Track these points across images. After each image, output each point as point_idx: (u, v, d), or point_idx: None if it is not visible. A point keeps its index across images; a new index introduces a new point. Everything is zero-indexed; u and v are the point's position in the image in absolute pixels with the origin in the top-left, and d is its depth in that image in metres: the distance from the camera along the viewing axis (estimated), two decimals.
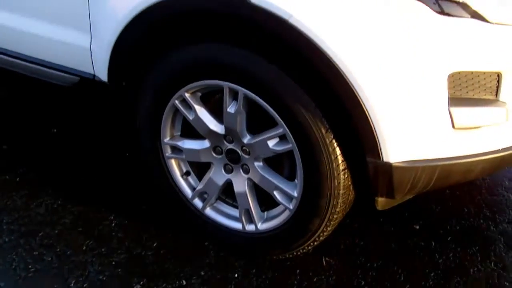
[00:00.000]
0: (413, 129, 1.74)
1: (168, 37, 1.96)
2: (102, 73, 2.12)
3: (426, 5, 1.66)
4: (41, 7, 2.21)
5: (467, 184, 2.54)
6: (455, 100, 1.74)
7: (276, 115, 1.82)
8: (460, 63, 1.71)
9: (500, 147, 1.86)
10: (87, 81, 2.19)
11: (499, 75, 1.78)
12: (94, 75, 2.17)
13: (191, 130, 2.05)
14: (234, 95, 1.89)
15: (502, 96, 1.81)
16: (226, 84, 1.88)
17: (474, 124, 1.79)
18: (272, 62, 1.79)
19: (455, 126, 1.75)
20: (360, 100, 1.69)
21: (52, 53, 2.26)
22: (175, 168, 2.17)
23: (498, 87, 1.80)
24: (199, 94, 1.98)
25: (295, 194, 1.94)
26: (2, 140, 2.79)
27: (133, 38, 1.99)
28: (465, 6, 1.68)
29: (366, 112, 1.70)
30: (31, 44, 2.30)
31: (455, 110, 1.74)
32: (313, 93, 1.77)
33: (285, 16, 1.68)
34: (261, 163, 1.99)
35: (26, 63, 2.35)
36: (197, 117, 1.99)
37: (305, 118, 1.78)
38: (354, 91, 1.68)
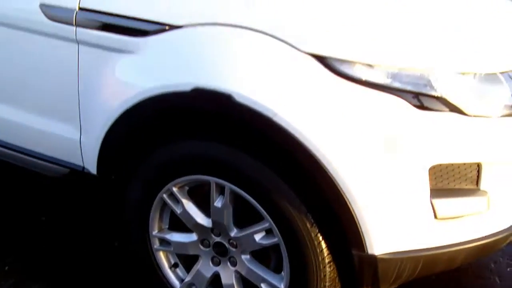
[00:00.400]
0: (397, 221, 1.77)
1: (156, 132, 2.01)
2: (92, 166, 2.15)
3: (406, 100, 1.72)
4: (31, 99, 2.27)
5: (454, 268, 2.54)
6: (437, 192, 1.79)
7: (262, 210, 1.86)
8: (441, 156, 1.76)
9: (482, 235, 1.88)
10: (77, 172, 2.22)
11: (479, 165, 1.83)
12: (83, 167, 2.21)
13: (179, 222, 2.06)
14: (221, 190, 1.93)
15: (483, 185, 1.85)
16: (212, 179, 1.92)
17: (456, 214, 1.82)
18: (257, 158, 1.84)
19: (438, 216, 1.79)
20: (343, 195, 1.73)
21: (42, 144, 2.30)
22: (164, 260, 2.18)
23: (478, 176, 1.84)
24: (187, 188, 2.01)
25: (282, 286, 1.95)
26: None
27: (122, 133, 2.04)
28: (443, 101, 1.74)
29: (350, 206, 1.73)
30: (20, 134, 2.35)
31: (437, 202, 1.78)
32: (298, 188, 1.81)
33: (270, 114, 1.73)
34: (248, 256, 2.00)
35: (15, 153, 2.38)
36: (185, 211, 2.02)
37: (290, 213, 1.82)
38: (337, 186, 1.73)
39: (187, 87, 1.82)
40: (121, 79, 1.98)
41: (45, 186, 2.59)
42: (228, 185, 1.90)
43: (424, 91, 1.73)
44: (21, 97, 2.29)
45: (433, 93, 1.73)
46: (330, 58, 1.72)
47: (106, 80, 2.02)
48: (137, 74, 1.94)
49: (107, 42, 1.98)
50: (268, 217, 1.86)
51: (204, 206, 2.01)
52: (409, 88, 1.73)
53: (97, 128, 2.06)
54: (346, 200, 1.73)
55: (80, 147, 2.18)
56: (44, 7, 2.09)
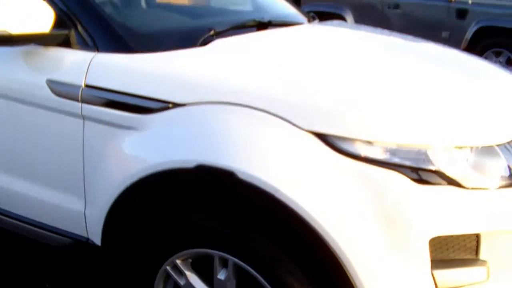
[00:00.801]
0: None
1: (160, 206, 2.04)
2: (96, 237, 2.18)
3: (405, 175, 1.76)
4: (37, 171, 2.31)
5: None
6: (437, 263, 1.81)
7: (265, 283, 1.87)
8: (440, 228, 1.79)
9: None
10: (81, 243, 2.25)
11: (478, 236, 1.86)
12: (87, 238, 2.23)
13: None
14: (224, 263, 1.95)
15: (483, 255, 1.87)
16: (216, 253, 1.94)
17: (457, 284, 1.85)
18: (260, 233, 1.86)
19: (439, 287, 1.80)
20: (346, 270, 1.76)
21: (47, 215, 2.34)
22: None
23: (478, 247, 1.87)
24: (190, 260, 2.04)
25: None
26: None
27: (126, 206, 2.08)
28: (441, 174, 1.79)
29: (352, 281, 1.76)
30: (25, 204, 2.38)
31: (438, 273, 1.81)
32: (300, 262, 1.84)
33: (272, 191, 1.77)
34: None
35: (19, 223, 2.41)
36: (188, 283, 2.04)
37: (293, 286, 1.83)
38: (339, 261, 1.75)
39: (191, 164, 1.86)
40: (126, 154, 2.02)
41: (51, 253, 2.60)
42: (231, 258, 1.92)
43: (422, 166, 1.78)
44: (26, 168, 2.34)
45: (430, 167, 1.78)
46: (331, 136, 1.77)
47: (111, 154, 2.06)
48: (142, 150, 1.99)
49: (112, 118, 2.03)
50: None
51: (208, 278, 2.03)
52: (407, 163, 1.77)
53: (102, 201, 2.09)
54: (349, 275, 1.76)
55: (85, 219, 2.21)
56: (51, 83, 2.15)
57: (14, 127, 2.31)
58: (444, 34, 7.87)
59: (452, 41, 7.49)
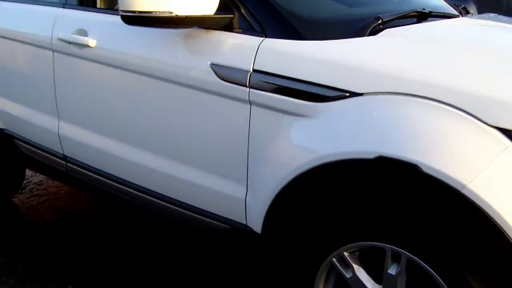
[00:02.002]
0: None
1: (330, 197, 1.99)
2: (256, 225, 2.16)
3: None
4: (197, 156, 2.30)
5: None
6: None
7: (440, 281, 1.79)
8: None
9: None
10: (239, 230, 2.23)
11: None
12: (246, 225, 2.21)
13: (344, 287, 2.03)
14: (396, 257, 1.88)
15: None
16: (389, 247, 1.87)
17: None
18: (441, 229, 1.77)
19: None
20: None
21: (204, 201, 2.33)
22: None
23: None
24: (357, 253, 1.98)
25: None
26: (136, 275, 2.84)
27: (293, 197, 2.03)
28: None
29: None
30: (182, 189, 2.39)
31: None
32: (483, 262, 1.74)
33: (458, 187, 1.68)
34: None
35: (173, 207, 2.42)
36: (355, 276, 1.99)
37: (471, 285, 1.74)
38: None
39: (370, 155, 1.79)
40: (296, 143, 1.97)
41: (202, 239, 2.61)
42: (405, 253, 1.85)
43: None
44: (186, 153, 2.34)
45: None
46: None
47: (278, 142, 2.02)
48: (313, 140, 1.93)
49: (281, 105, 1.99)
50: None
51: (375, 272, 1.96)
52: None
53: (266, 189, 2.06)
54: None
55: (245, 206, 2.19)
56: (215, 67, 2.12)
57: (174, 111, 2.31)
58: None
59: None
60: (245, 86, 2.06)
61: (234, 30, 2.16)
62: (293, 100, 1.96)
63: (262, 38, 2.08)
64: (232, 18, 2.16)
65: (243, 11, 2.14)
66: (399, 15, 2.27)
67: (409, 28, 2.20)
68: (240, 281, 2.82)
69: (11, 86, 3.08)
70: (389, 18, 2.19)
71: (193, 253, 3.04)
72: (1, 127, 3.20)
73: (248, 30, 2.13)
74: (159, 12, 2.04)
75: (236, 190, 2.21)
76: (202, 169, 2.29)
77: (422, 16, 2.47)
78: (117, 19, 2.45)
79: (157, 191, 2.49)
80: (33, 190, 3.77)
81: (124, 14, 2.10)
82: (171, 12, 2.04)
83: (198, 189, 2.33)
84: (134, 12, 2.07)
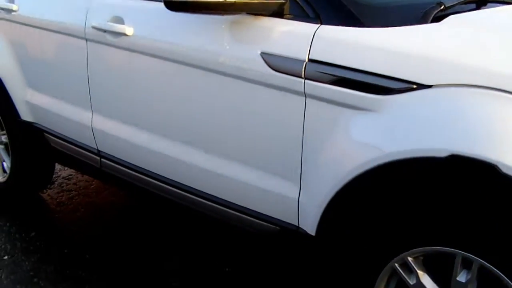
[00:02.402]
0: None
1: (395, 199, 1.83)
2: (309, 226, 2.01)
3: None
4: (244, 151, 2.16)
5: None
6: None
7: None
8: None
9: None
10: (289, 231, 2.09)
11: None
12: (298, 227, 2.07)
13: None
14: (466, 263, 1.72)
15: None
16: (459, 253, 1.71)
17: None
18: None
19: None
20: None
21: (251, 200, 2.19)
22: None
23: None
24: (422, 258, 1.82)
25: None
26: (173, 275, 2.71)
27: (353, 197, 1.88)
28: None
29: None
30: (227, 187, 2.25)
31: None
32: None
33: None
34: None
35: (217, 206, 2.28)
36: (419, 283, 1.83)
37: None
38: None
39: (441, 153, 1.63)
40: (356, 139, 1.82)
41: (246, 239, 2.47)
42: (478, 260, 1.69)
43: None
44: (233, 149, 2.19)
45: None
46: None
47: (337, 138, 1.87)
48: (377, 136, 1.78)
49: (340, 98, 1.83)
50: None
51: (440, 278, 1.81)
52: None
53: (323, 189, 1.92)
54: None
55: (298, 206, 2.04)
56: (266, 56, 1.97)
57: (219, 103, 2.17)
58: None
59: None
60: (300, 77, 1.91)
61: (285, 16, 2.01)
62: (354, 92, 1.81)
63: (317, 25, 1.93)
64: (283, 3, 2.01)
65: None
66: (461, 0, 2.09)
67: (475, 14, 2.02)
68: (283, 281, 2.68)
69: (41, 78, 2.95)
70: (452, 4, 2.01)
71: (234, 252, 2.90)
72: (31, 120, 3.07)
73: (301, 16, 1.98)
74: None
75: (288, 190, 2.06)
76: (251, 166, 2.15)
77: (481, 2, 2.28)
78: (156, 5, 2.32)
79: (201, 189, 2.34)
80: (62, 185, 3.65)
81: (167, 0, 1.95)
82: None
83: (246, 187, 2.18)
84: None
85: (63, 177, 3.72)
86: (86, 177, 3.69)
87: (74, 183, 3.68)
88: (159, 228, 3.12)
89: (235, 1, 1.92)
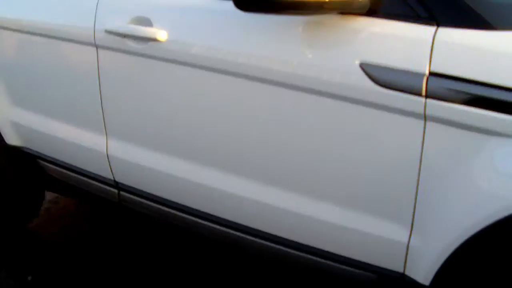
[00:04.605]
0: None
1: None
2: (422, 275, 1.63)
3: None
4: (334, 185, 1.73)
5: None
6: None
7: None
8: None
9: None
10: (390, 278, 1.69)
11: None
12: (403, 274, 1.68)
13: None
14: None
15: None
16: None
17: None
18: None
19: None
20: None
21: (337, 243, 1.78)
22: None
23: None
24: None
25: None
26: None
27: (494, 244, 1.50)
28: None
29: None
30: (304, 227, 1.83)
31: None
32: None
33: None
34: None
35: (291, 251, 1.86)
36: None
37: None
38: None
39: None
40: (499, 174, 1.44)
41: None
42: None
43: None
44: (316, 183, 1.77)
45: None
46: None
47: (472, 173, 1.47)
48: None
49: (479, 122, 1.44)
50: None
51: None
52: None
53: (447, 235, 1.54)
54: None
55: (406, 252, 1.65)
56: (367, 67, 1.55)
57: (299, 128, 1.74)
58: None
59: None
60: (419, 94, 1.49)
61: (384, 16, 1.58)
62: (499, 116, 1.40)
63: (434, 27, 1.51)
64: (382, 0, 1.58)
65: None
66: None
67: None
68: None
69: (32, 94, 2.40)
70: None
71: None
72: (21, 145, 2.51)
73: (406, 15, 1.56)
74: None
75: (393, 233, 1.66)
76: (340, 204, 1.73)
77: None
78: (198, 2, 1.85)
79: (269, 231, 1.90)
80: (50, 210, 3.09)
81: None
82: None
83: (334, 229, 1.77)
84: None
85: (49, 201, 3.15)
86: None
87: (63, 207, 3.13)
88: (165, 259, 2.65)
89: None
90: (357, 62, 1.57)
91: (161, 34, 1.90)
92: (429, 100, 1.49)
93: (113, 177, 2.23)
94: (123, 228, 2.93)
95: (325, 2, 1.49)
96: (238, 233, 1.95)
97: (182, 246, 2.71)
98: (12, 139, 2.51)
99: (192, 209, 2.04)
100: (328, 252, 1.80)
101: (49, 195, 3.12)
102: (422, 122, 1.51)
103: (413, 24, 1.55)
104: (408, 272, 1.68)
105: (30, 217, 2.88)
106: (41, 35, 2.26)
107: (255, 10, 1.53)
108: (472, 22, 1.50)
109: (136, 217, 2.36)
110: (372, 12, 1.60)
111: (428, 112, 1.49)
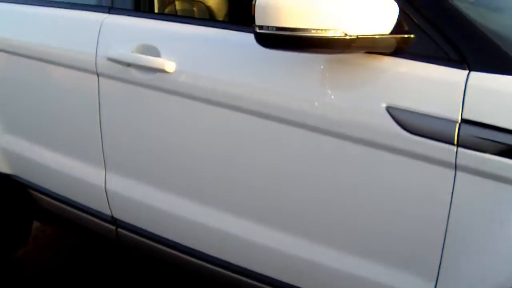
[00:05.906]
0: None
1: None
2: None
3: None
4: (351, 237, 1.63)
5: None
6: None
7: None
8: None
9: None
10: None
11: None
12: None
13: None
14: None
15: None
16: None
17: None
18: None
19: None
20: None
21: None
22: None
23: None
24: None
25: None
26: None
27: None
28: None
29: None
30: (323, 280, 1.72)
31: None
32: None
33: None
34: None
35: None
36: None
37: None
38: None
39: None
40: None
41: None
42: None
43: None
44: (333, 232, 1.67)
45: None
46: None
47: (506, 227, 1.37)
48: None
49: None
50: None
51: None
52: None
53: None
54: None
55: None
56: (395, 112, 1.45)
57: (317, 174, 1.64)
58: None
59: None
60: (451, 143, 1.39)
61: (411, 56, 1.48)
62: None
63: (466, 71, 1.41)
64: (410, 38, 1.48)
65: (428, 30, 1.46)
66: None
67: None
68: None
69: (30, 121, 2.27)
70: None
71: None
72: (10, 172, 2.37)
73: (437, 57, 1.46)
74: (317, 30, 1.35)
75: (413, 284, 1.55)
76: (364, 257, 1.62)
77: None
78: (210, 32, 1.75)
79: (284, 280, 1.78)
80: (38, 238, 2.93)
81: (262, 32, 1.38)
82: (341, 32, 1.34)
83: (354, 281, 1.65)
84: (279, 29, 1.36)
85: (35, 229, 2.99)
86: None
87: (51, 236, 2.98)
88: None
89: (357, 36, 1.38)
90: (384, 105, 1.47)
91: (170, 65, 1.79)
92: (461, 149, 1.39)
93: (110, 213, 2.09)
94: (112, 256, 2.80)
95: (353, 41, 1.39)
96: (248, 280, 1.83)
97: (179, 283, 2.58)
98: (1, 166, 2.37)
99: (195, 250, 1.92)
100: None
101: (36, 223, 2.96)
102: (452, 171, 1.42)
103: (443, 66, 1.45)
104: None
105: (18, 247, 2.72)
106: (37, 58, 2.14)
107: (279, 48, 1.44)
108: (506, 67, 1.41)
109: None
110: (398, 51, 1.50)
111: (459, 161, 1.40)
